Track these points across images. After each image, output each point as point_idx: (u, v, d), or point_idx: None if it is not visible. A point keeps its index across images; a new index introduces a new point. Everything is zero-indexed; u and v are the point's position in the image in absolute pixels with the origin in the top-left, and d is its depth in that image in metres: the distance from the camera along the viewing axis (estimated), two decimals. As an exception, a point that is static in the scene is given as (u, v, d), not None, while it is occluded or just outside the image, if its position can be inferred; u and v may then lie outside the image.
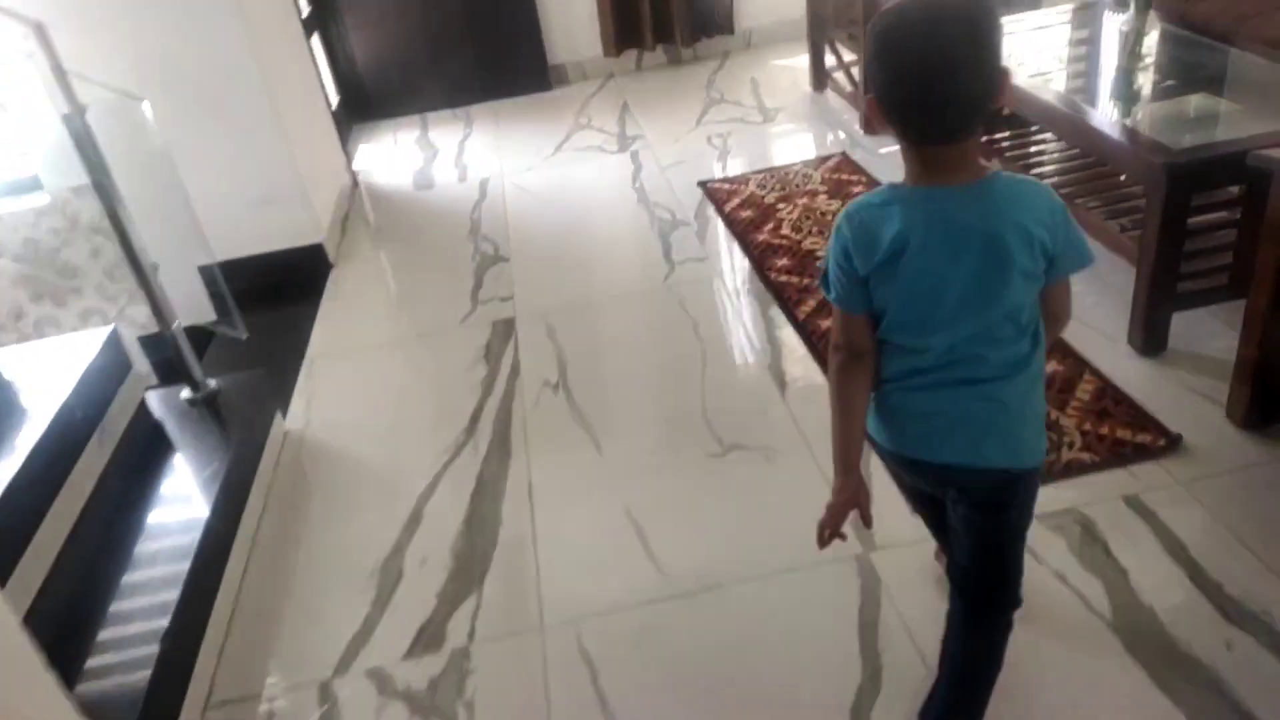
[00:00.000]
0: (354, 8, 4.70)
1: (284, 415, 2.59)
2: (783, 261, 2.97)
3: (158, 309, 2.30)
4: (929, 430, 1.25)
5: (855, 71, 3.85)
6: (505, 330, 2.89)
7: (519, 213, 3.68)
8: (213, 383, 2.36)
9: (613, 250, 3.34)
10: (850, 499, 1.27)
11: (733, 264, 3.08)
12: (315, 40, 4.52)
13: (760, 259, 3.01)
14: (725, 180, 3.62)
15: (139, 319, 3.38)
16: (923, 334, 1.20)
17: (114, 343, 2.24)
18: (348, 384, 2.80)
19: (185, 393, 2.32)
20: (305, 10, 4.36)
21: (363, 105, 4.90)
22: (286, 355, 2.95)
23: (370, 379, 2.82)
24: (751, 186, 3.51)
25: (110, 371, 2.17)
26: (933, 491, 1.37)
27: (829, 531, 1.28)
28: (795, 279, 2.86)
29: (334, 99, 4.63)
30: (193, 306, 3.30)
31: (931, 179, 1.14)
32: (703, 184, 3.62)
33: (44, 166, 3.06)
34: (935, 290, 1.15)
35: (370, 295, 3.36)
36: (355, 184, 4.17)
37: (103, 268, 3.26)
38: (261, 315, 3.24)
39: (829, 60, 4.26)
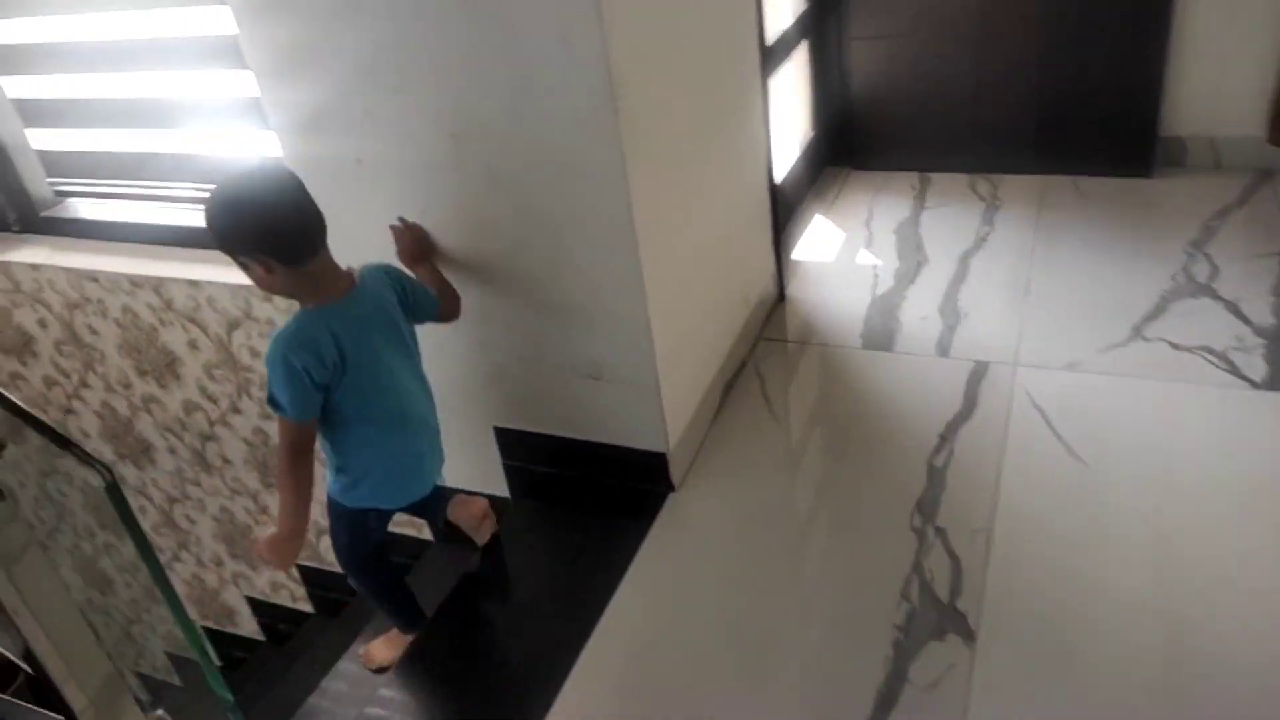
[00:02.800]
0: (870, 10, 3.14)
1: None
2: None
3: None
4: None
5: None
6: None
7: (1023, 481, 1.93)
8: None
9: None
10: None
11: None
12: (802, 50, 3.09)
13: None
14: None
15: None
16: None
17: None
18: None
19: None
20: (788, 21, 2.93)
21: (845, 145, 3.38)
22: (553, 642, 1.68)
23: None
24: None
25: None
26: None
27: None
28: None
29: (802, 139, 3.20)
30: (481, 474, 2.27)
31: (325, 295, 1.53)
32: None
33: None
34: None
35: (694, 571, 1.87)
36: (780, 298, 2.72)
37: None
38: (537, 543, 2.02)
39: None
